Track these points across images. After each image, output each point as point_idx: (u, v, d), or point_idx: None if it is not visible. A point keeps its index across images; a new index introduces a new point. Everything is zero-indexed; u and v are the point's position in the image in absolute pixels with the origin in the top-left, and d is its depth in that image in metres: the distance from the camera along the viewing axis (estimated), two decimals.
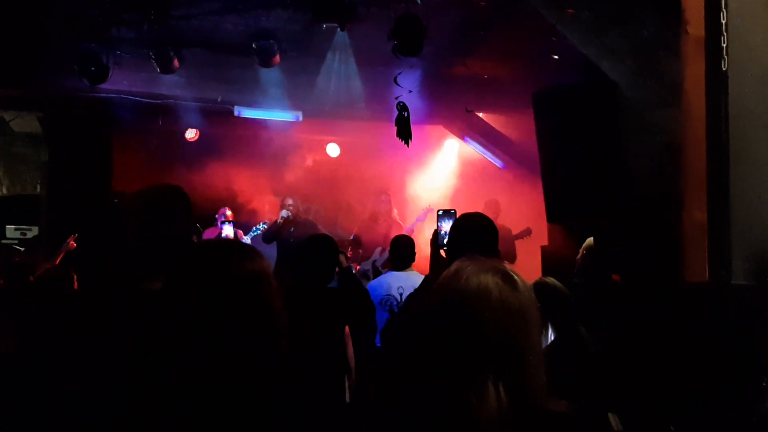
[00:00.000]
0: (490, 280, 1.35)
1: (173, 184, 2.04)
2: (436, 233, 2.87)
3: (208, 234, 7.42)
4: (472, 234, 2.69)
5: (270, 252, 7.29)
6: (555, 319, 3.09)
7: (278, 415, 1.44)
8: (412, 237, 7.36)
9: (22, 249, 7.34)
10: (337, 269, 3.92)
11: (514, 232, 7.71)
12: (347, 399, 3.63)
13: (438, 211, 2.94)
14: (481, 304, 1.32)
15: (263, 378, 1.42)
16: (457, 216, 2.85)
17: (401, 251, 5.12)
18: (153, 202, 1.95)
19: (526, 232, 7.68)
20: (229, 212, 7.83)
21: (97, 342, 1.73)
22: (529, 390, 1.31)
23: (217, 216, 7.74)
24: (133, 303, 1.80)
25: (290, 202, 7.48)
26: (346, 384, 3.66)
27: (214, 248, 1.55)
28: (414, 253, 5.16)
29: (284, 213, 7.41)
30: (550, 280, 3.27)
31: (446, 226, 2.86)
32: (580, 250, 4.24)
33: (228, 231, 6.72)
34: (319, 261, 3.70)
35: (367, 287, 4.69)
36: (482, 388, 1.27)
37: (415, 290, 3.05)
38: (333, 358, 3.49)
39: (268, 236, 7.49)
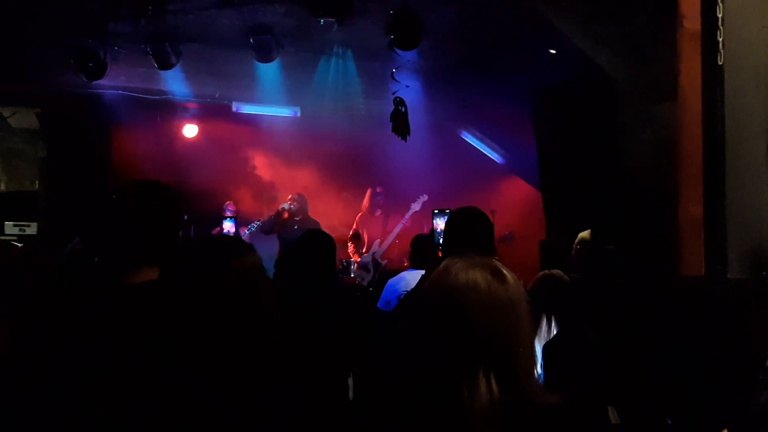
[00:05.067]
0: (478, 275, 1.36)
1: (160, 180, 2.03)
2: (432, 231, 2.89)
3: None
4: (466, 227, 2.70)
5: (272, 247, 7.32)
6: (558, 312, 3.03)
7: (276, 410, 1.45)
8: (408, 227, 7.36)
9: (20, 245, 7.30)
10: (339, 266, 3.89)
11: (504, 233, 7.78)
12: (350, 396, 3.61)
13: (434, 210, 2.95)
14: (470, 298, 1.34)
15: (260, 372, 1.44)
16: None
17: (423, 249, 5.11)
18: (133, 197, 1.94)
19: (509, 237, 7.76)
20: (233, 207, 7.83)
21: (86, 339, 1.73)
22: (520, 382, 1.32)
23: (223, 211, 7.74)
24: (115, 299, 1.80)
25: (295, 197, 7.49)
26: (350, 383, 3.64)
27: (208, 244, 1.58)
28: (435, 252, 5.19)
29: (285, 205, 7.42)
30: (556, 272, 3.19)
31: (442, 224, 2.87)
32: (574, 245, 4.22)
33: (228, 227, 6.73)
34: (315, 257, 3.66)
35: (387, 283, 4.69)
36: (473, 381, 1.29)
37: (412, 289, 3.04)
38: (329, 355, 3.48)
39: (266, 228, 7.51)
